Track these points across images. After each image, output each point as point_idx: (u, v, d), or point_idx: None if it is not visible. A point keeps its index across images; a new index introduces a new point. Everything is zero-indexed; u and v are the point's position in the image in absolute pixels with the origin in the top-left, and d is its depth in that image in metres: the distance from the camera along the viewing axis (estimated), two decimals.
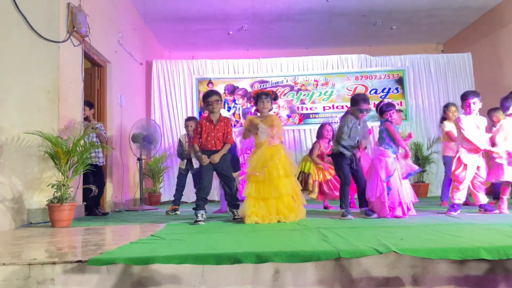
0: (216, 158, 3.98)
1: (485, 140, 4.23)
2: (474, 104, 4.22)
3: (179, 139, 5.71)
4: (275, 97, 4.26)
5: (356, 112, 4.19)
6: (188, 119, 5.64)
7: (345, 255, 2.04)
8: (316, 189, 5.24)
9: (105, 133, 5.44)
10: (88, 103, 5.25)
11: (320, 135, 5.55)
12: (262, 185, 3.85)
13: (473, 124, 4.22)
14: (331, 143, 5.28)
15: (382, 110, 4.27)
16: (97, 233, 3.31)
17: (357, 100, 4.21)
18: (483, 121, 4.31)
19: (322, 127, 5.61)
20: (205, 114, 4.13)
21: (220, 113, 4.14)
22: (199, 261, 2.03)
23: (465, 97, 4.30)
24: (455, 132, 4.92)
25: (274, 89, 8.05)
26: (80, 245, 2.76)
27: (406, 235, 2.62)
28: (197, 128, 4.13)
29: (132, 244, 2.51)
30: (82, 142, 4.27)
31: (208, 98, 4.06)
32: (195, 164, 5.03)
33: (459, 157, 4.21)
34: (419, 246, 2.14)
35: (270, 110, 4.16)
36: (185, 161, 5.44)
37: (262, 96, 4.09)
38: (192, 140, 4.17)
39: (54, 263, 2.01)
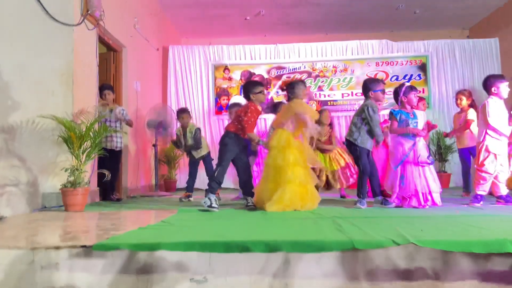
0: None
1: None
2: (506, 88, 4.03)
3: (176, 133, 5.68)
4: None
5: (379, 95, 4.10)
6: (182, 111, 5.61)
7: (360, 246, 1.93)
8: (324, 178, 5.17)
9: (128, 117, 5.37)
10: (110, 87, 5.31)
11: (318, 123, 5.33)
12: (304, 170, 3.82)
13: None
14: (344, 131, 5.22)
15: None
16: (108, 218, 3.28)
17: (372, 83, 4.16)
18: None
19: (321, 113, 5.24)
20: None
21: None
22: (206, 249, 1.95)
23: (493, 80, 4.08)
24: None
25: (292, 76, 7.90)
26: (88, 230, 2.73)
27: (426, 226, 2.49)
28: (255, 117, 3.99)
29: (140, 229, 2.45)
30: (96, 126, 4.24)
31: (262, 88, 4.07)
32: (196, 154, 5.36)
33: (486, 146, 4.00)
34: (439, 238, 2.02)
35: None
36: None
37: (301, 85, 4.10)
38: (250, 129, 3.96)
39: (58, 247, 1.96)
